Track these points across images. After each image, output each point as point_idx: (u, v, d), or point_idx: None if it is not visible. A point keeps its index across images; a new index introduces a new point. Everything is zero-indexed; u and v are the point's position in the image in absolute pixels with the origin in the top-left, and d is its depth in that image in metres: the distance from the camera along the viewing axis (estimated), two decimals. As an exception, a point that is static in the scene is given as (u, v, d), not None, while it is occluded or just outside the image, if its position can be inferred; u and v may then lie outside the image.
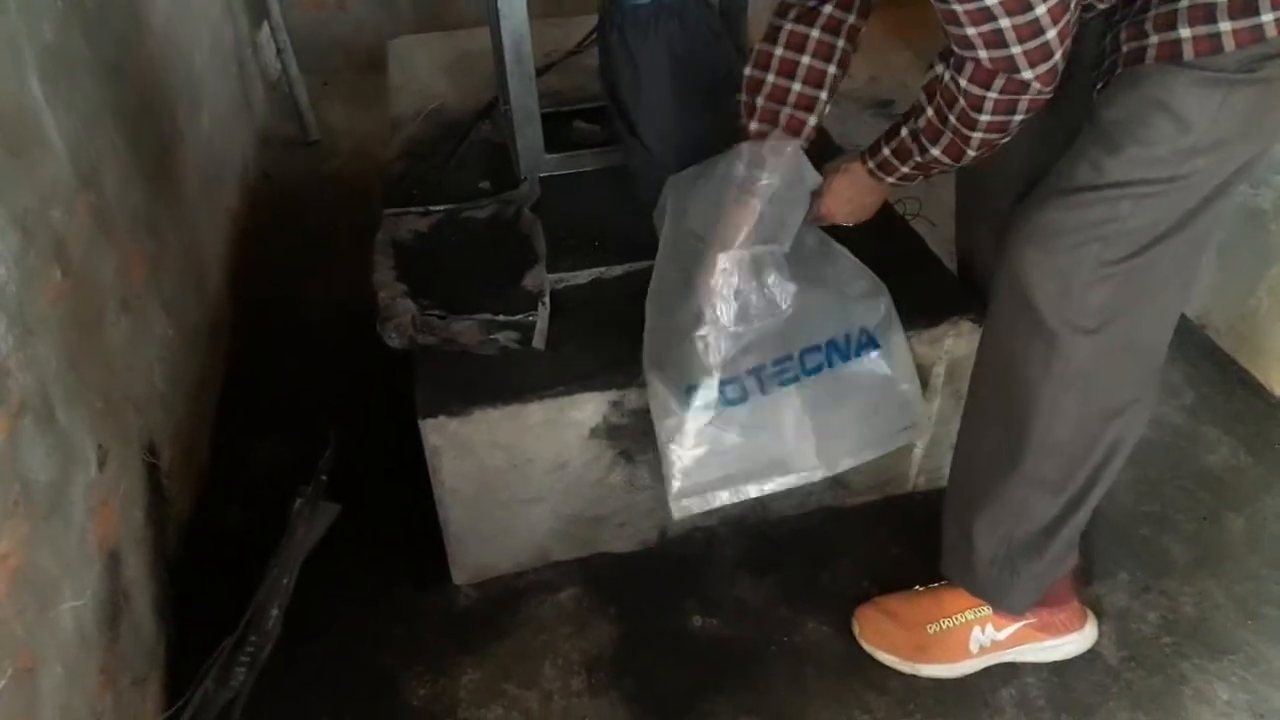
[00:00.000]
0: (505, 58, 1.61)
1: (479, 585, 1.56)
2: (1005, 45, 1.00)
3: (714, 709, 1.39)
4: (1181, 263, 1.12)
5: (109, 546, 1.27)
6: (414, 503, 1.52)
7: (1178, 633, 1.46)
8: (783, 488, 1.44)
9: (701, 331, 1.38)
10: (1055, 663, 1.42)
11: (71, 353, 1.24)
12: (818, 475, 1.44)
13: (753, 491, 1.44)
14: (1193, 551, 1.58)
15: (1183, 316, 1.23)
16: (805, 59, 1.34)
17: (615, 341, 1.44)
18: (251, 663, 1.37)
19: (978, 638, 1.39)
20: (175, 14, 2.08)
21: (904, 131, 1.24)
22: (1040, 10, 0.96)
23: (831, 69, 1.34)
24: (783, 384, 1.40)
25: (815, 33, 1.32)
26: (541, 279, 1.52)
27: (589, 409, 1.42)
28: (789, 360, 1.40)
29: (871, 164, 1.32)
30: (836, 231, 1.50)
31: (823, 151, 1.46)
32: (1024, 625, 1.39)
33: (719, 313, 1.38)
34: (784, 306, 1.39)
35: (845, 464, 1.45)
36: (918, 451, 1.63)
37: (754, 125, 1.40)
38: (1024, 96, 1.06)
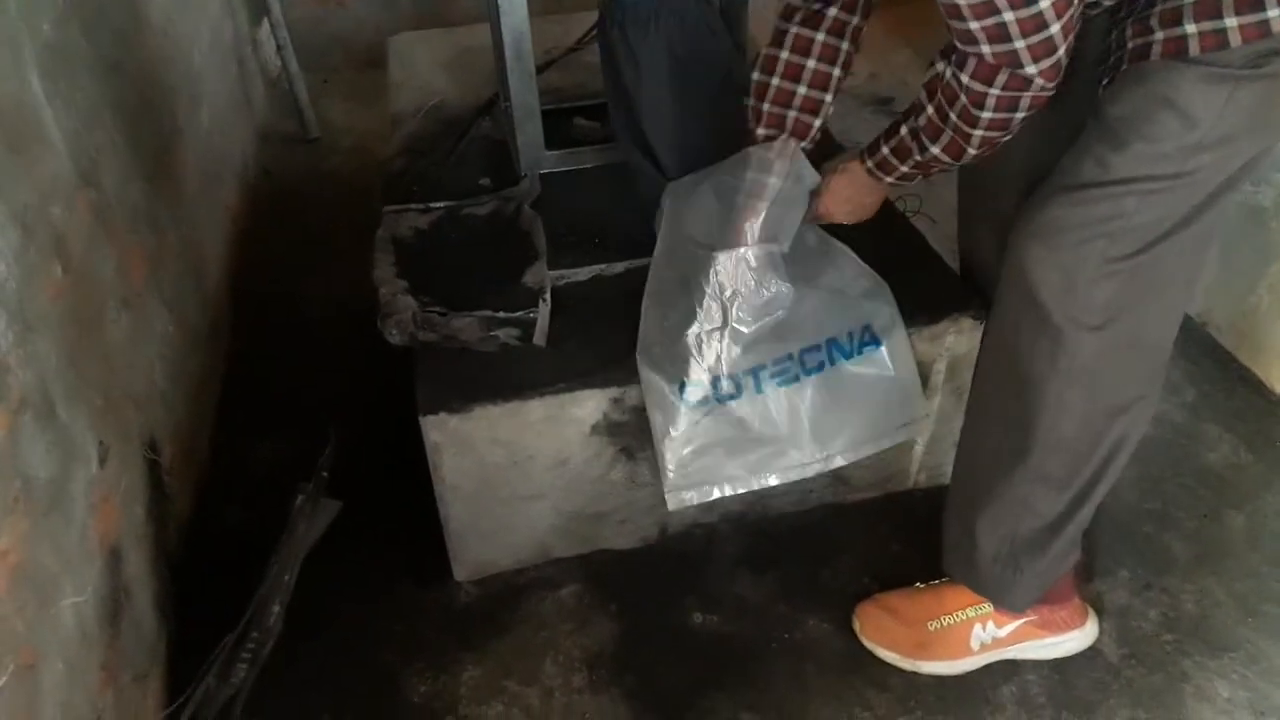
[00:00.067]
0: (505, 54, 1.61)
1: (480, 582, 1.56)
2: (1009, 39, 1.00)
3: (714, 706, 1.39)
4: (1187, 259, 1.12)
5: (110, 543, 1.27)
6: (415, 499, 1.52)
7: (1178, 630, 1.46)
8: (780, 481, 1.45)
9: (697, 329, 1.38)
10: (1056, 660, 1.42)
11: (72, 349, 1.23)
12: (814, 469, 1.44)
13: (750, 485, 1.44)
14: (1193, 549, 1.58)
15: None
16: (810, 63, 1.34)
17: (616, 338, 1.44)
18: (253, 659, 1.37)
19: (978, 635, 1.39)
20: (174, 11, 2.08)
21: (904, 130, 1.23)
22: (1044, 4, 0.96)
23: (836, 71, 1.35)
24: (781, 384, 1.40)
25: (820, 36, 1.32)
26: (542, 276, 1.51)
27: (590, 406, 1.42)
28: (788, 360, 1.40)
29: (870, 163, 1.32)
30: (837, 230, 1.50)
31: (823, 150, 1.46)
32: (1025, 622, 1.39)
33: (716, 311, 1.38)
34: (781, 307, 1.39)
35: (843, 459, 1.46)
36: (919, 448, 1.63)
37: (761, 130, 1.40)
38: (1026, 93, 1.06)
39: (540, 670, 1.44)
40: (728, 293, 1.37)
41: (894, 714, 1.37)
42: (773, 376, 1.40)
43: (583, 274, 1.58)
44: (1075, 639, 1.42)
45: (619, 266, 1.59)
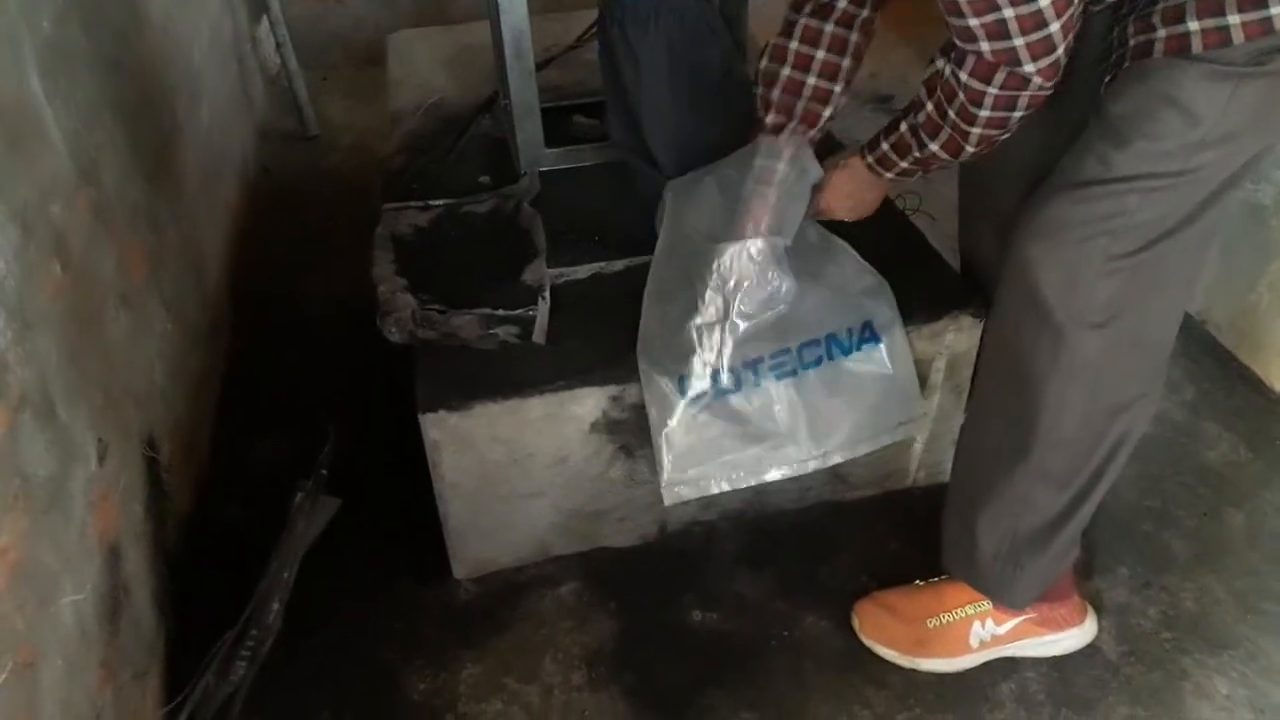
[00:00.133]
0: (505, 52, 1.61)
1: (479, 580, 1.56)
2: (1008, 37, 1.00)
3: (714, 703, 1.39)
4: (1188, 257, 1.12)
5: (109, 541, 1.27)
6: (414, 497, 1.52)
7: (1178, 628, 1.47)
8: (777, 477, 1.45)
9: (697, 321, 1.38)
10: (1055, 657, 1.42)
11: (71, 347, 1.23)
12: (811, 466, 1.44)
13: (746, 481, 1.44)
14: (1193, 547, 1.58)
15: (1183, 312, 1.24)
16: (820, 53, 1.34)
17: (615, 336, 1.44)
18: (252, 657, 1.38)
19: (978, 632, 1.39)
20: (174, 8, 2.08)
21: (903, 126, 1.24)
22: (1044, 2, 0.96)
23: (846, 62, 1.35)
24: (780, 378, 1.40)
25: (829, 27, 1.32)
26: (541, 273, 1.51)
27: (589, 403, 1.42)
28: (787, 354, 1.40)
29: (870, 159, 1.32)
30: (836, 226, 1.50)
31: (823, 148, 1.46)
32: (1024, 620, 1.39)
33: (716, 303, 1.38)
34: (783, 300, 1.39)
35: (841, 455, 1.46)
36: (918, 446, 1.63)
37: (770, 118, 1.40)
38: (1024, 92, 1.06)
39: (540, 668, 1.44)
40: (730, 285, 1.38)
41: (893, 711, 1.37)
42: (771, 370, 1.40)
43: (582, 272, 1.58)
44: (1074, 636, 1.42)
45: (618, 264, 1.59)
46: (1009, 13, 0.97)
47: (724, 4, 1.64)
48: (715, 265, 1.37)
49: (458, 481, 1.44)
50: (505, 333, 1.43)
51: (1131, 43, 1.05)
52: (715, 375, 1.39)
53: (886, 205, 1.52)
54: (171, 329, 1.69)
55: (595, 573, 1.57)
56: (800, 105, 1.38)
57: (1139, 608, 1.50)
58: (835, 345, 1.42)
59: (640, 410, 1.42)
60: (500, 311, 1.44)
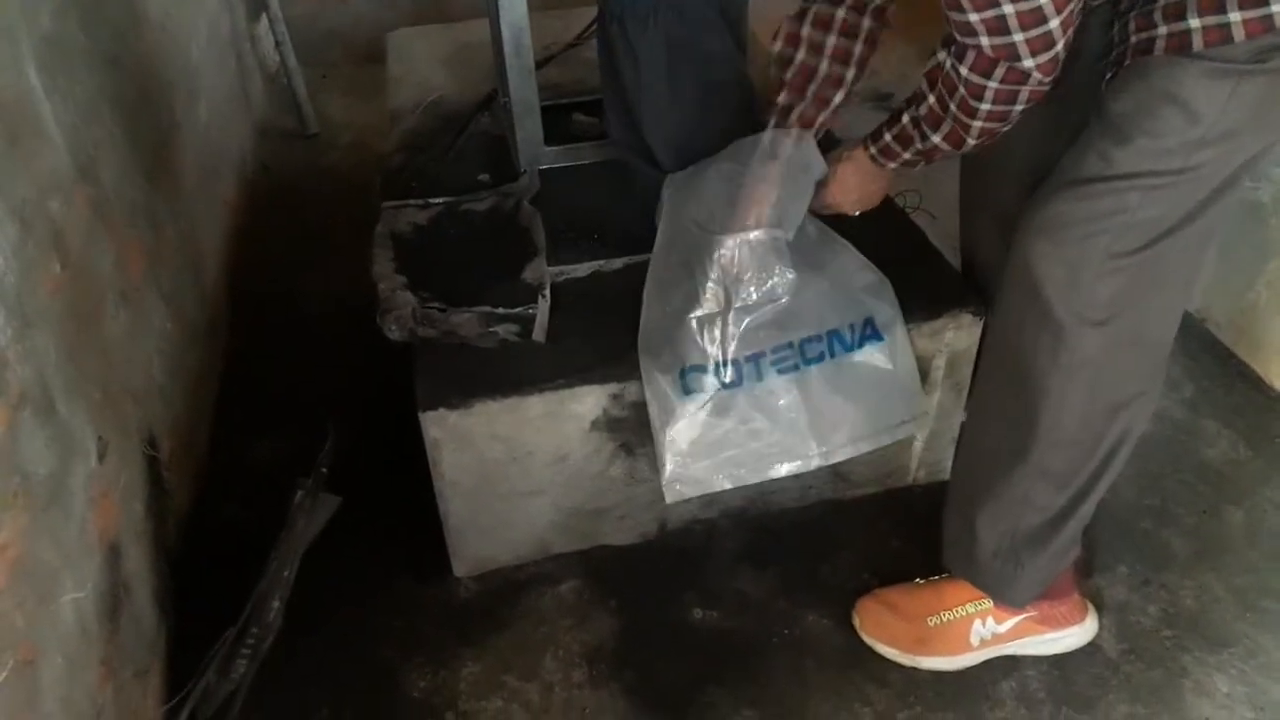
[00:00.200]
0: (504, 50, 1.61)
1: (479, 577, 1.56)
2: (1007, 32, 1.00)
3: (714, 701, 1.39)
4: (1189, 255, 1.12)
5: (109, 538, 1.27)
6: (414, 495, 1.52)
7: (1177, 626, 1.47)
8: (779, 475, 1.45)
9: (698, 313, 1.38)
10: (1055, 655, 1.42)
11: (70, 344, 1.23)
12: (814, 464, 1.44)
13: (748, 478, 1.44)
14: (1193, 545, 1.58)
15: (1182, 310, 1.24)
16: (831, 38, 1.34)
17: (615, 334, 1.44)
18: (252, 655, 1.37)
19: (978, 630, 1.39)
20: (172, 5, 2.07)
21: (906, 118, 1.24)
22: None
23: (858, 47, 1.35)
24: (781, 372, 1.40)
25: (840, 12, 1.33)
26: (541, 271, 1.51)
27: (589, 402, 1.42)
28: (789, 349, 1.40)
29: (874, 149, 1.32)
30: (836, 224, 1.50)
31: (823, 145, 1.45)
32: (1025, 618, 1.39)
33: (717, 296, 1.38)
34: (784, 294, 1.39)
35: (842, 454, 1.46)
36: (918, 444, 1.63)
37: (782, 98, 1.40)
38: (1024, 87, 1.06)
39: (540, 665, 1.44)
40: (731, 277, 1.37)
41: (893, 709, 1.37)
42: (773, 364, 1.40)
43: (582, 270, 1.58)
44: (1075, 635, 1.42)
45: (618, 262, 1.58)
46: (1009, 9, 0.98)
47: (724, 2, 1.64)
48: (716, 257, 1.37)
49: (457, 479, 1.44)
50: (505, 331, 1.43)
51: (1133, 39, 1.05)
52: (718, 368, 1.38)
53: (887, 203, 1.52)
54: (170, 327, 1.68)
55: (595, 571, 1.57)
56: (812, 88, 1.38)
57: (1139, 605, 1.50)
58: (837, 341, 1.42)
59: (640, 408, 1.42)
60: (500, 309, 1.44)
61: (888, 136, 1.29)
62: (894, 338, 1.44)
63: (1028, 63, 1.03)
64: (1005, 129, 1.14)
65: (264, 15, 2.82)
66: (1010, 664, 1.42)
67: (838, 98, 1.38)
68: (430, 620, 1.50)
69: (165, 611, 1.44)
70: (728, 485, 1.44)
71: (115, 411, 1.35)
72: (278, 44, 2.79)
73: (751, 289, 1.38)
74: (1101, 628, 1.45)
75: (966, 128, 1.14)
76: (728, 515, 1.62)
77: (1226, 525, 1.62)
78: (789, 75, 1.39)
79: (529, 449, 1.44)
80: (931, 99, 1.17)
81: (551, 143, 1.76)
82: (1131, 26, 1.05)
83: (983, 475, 1.30)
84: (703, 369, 1.38)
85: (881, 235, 1.54)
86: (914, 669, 1.41)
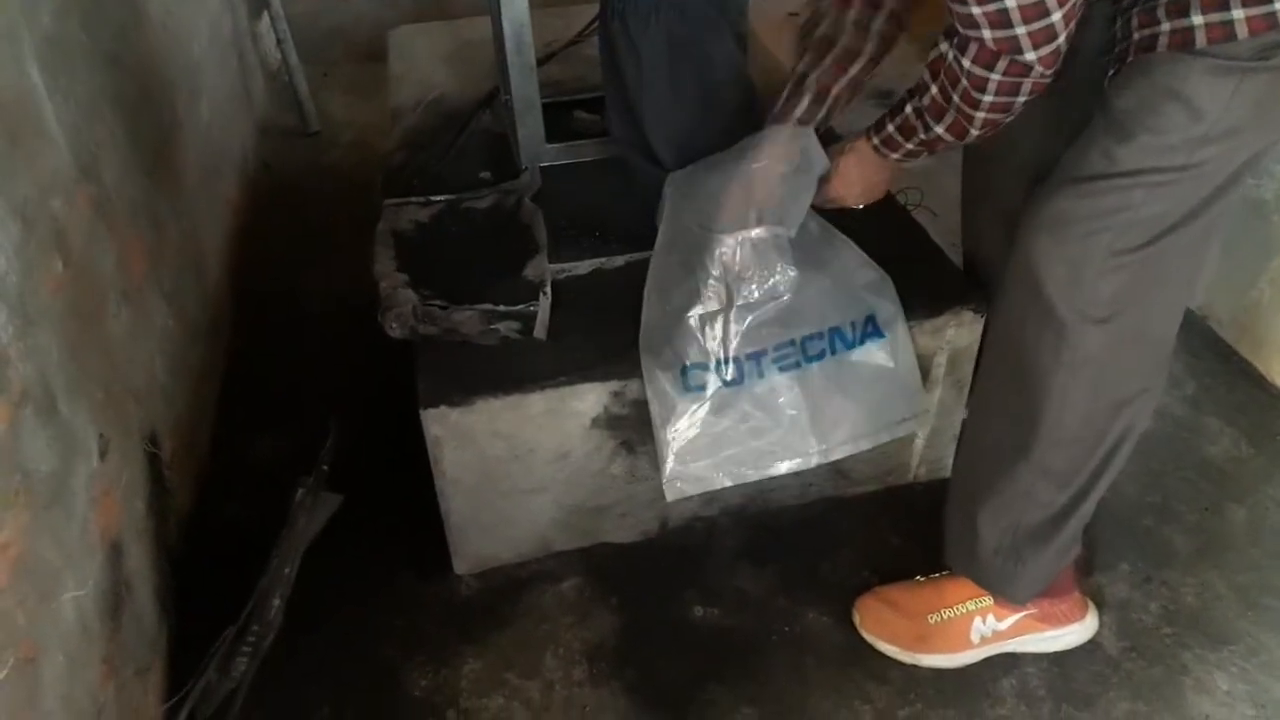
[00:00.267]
0: (506, 47, 1.60)
1: (480, 575, 1.56)
2: (1010, 25, 1.00)
3: (715, 699, 1.39)
4: (1192, 252, 1.12)
5: (111, 537, 1.27)
6: (415, 493, 1.52)
7: (1178, 623, 1.47)
8: (780, 473, 1.45)
9: (700, 311, 1.38)
10: (1056, 653, 1.42)
11: (72, 343, 1.23)
12: (814, 462, 1.44)
13: (749, 476, 1.44)
14: (1194, 542, 1.58)
15: (1184, 308, 1.24)
16: (852, 12, 1.35)
17: (616, 332, 1.44)
18: (253, 653, 1.38)
19: (979, 628, 1.39)
20: (173, 4, 2.07)
21: (908, 109, 1.23)
22: None
23: (879, 23, 1.34)
24: (782, 370, 1.40)
25: None
26: (542, 269, 1.51)
27: (590, 399, 1.42)
28: (790, 346, 1.40)
29: (876, 140, 1.32)
30: (837, 221, 1.50)
31: (823, 142, 1.45)
32: (1025, 616, 1.39)
33: (719, 294, 1.38)
34: (785, 292, 1.39)
35: (843, 451, 1.45)
36: (919, 442, 1.63)
37: (801, 64, 1.39)
38: (1027, 79, 1.06)
39: (541, 663, 1.44)
40: (732, 274, 1.37)
41: (894, 707, 1.37)
42: (774, 362, 1.40)
43: (583, 267, 1.58)
44: (1075, 632, 1.42)
45: (619, 260, 1.58)
46: (1011, 2, 0.98)
47: (725, 0, 1.64)
48: (718, 255, 1.37)
49: (459, 477, 1.44)
50: (506, 328, 1.43)
51: (1135, 36, 1.05)
52: (719, 366, 1.38)
53: (888, 200, 1.52)
54: (172, 325, 1.68)
55: (596, 568, 1.57)
56: (830, 58, 1.37)
57: (1140, 603, 1.50)
58: (839, 339, 1.42)
59: (641, 406, 1.42)
60: (501, 307, 1.44)
61: (890, 127, 1.28)
62: (895, 335, 1.44)
63: (1030, 56, 1.03)
64: (1008, 120, 1.14)
65: (265, 13, 2.82)
66: (1011, 661, 1.42)
67: (855, 69, 1.37)
68: (431, 618, 1.51)
69: (166, 609, 1.44)
70: (728, 483, 1.44)
71: (117, 410, 1.35)
72: (279, 42, 2.79)
73: (753, 286, 1.38)
74: (1102, 625, 1.45)
75: (970, 119, 1.14)
76: (728, 513, 1.62)
77: (1228, 523, 1.61)
78: (810, 43, 1.38)
79: (530, 446, 1.44)
80: (934, 90, 1.16)
81: (553, 140, 1.75)
82: (1134, 22, 1.05)
83: (984, 472, 1.30)
84: (704, 366, 1.38)
85: (883, 232, 1.53)
86: (914, 666, 1.41)
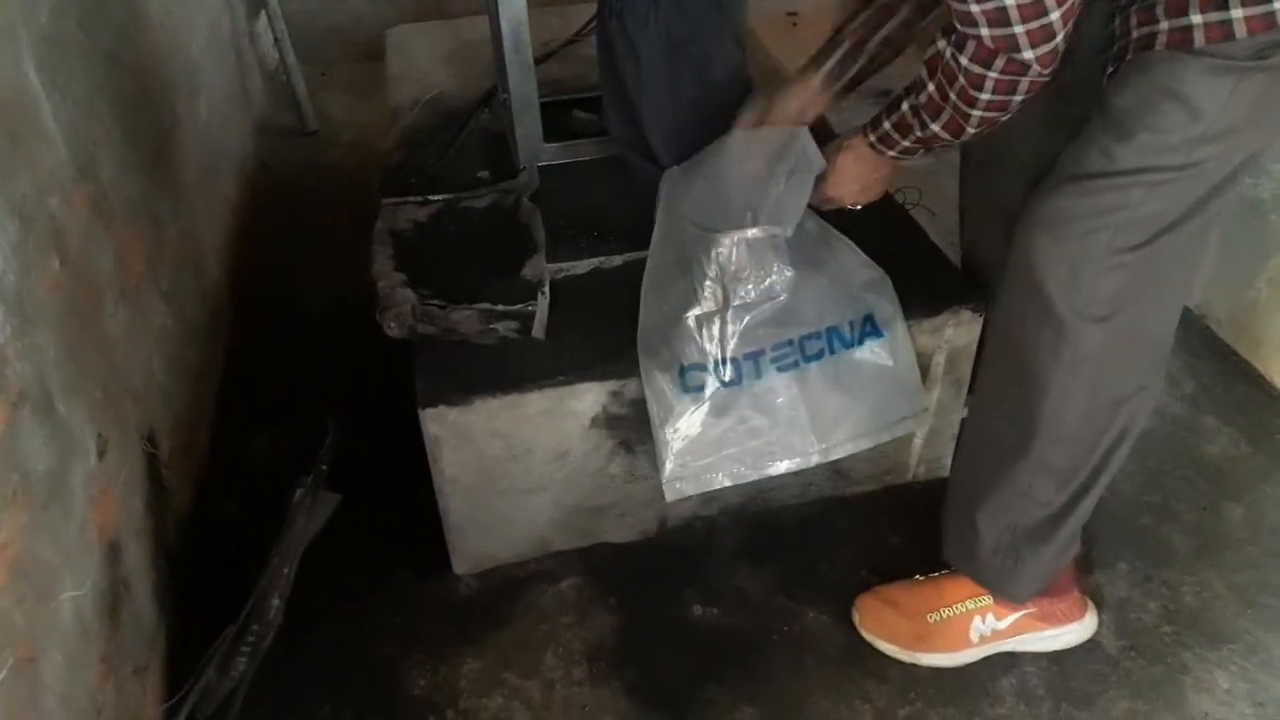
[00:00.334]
0: (504, 46, 1.60)
1: (479, 575, 1.56)
2: (1008, 24, 1.00)
3: (714, 698, 1.39)
4: (1190, 251, 1.12)
5: (109, 536, 1.27)
6: (414, 492, 1.52)
7: (1178, 622, 1.47)
8: (779, 473, 1.44)
9: (697, 311, 1.38)
10: (1055, 652, 1.42)
11: (70, 342, 1.23)
12: (813, 461, 1.44)
13: (748, 475, 1.44)
14: (1193, 541, 1.58)
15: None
16: None
17: (615, 331, 1.44)
18: (253, 652, 1.38)
19: (978, 627, 1.39)
20: (172, 3, 2.07)
21: (905, 106, 1.23)
22: None
23: (904, 13, 1.35)
24: (781, 370, 1.40)
25: None
26: (541, 268, 1.51)
27: (589, 399, 1.42)
28: (789, 346, 1.40)
29: (873, 137, 1.31)
30: (835, 220, 1.50)
31: (820, 141, 1.45)
32: (1024, 615, 1.39)
33: (716, 295, 1.38)
34: (782, 291, 1.39)
35: (842, 451, 1.45)
36: (918, 441, 1.63)
37: (841, 19, 1.40)
38: (1024, 78, 1.06)
39: (540, 663, 1.44)
40: (729, 275, 1.37)
41: (893, 706, 1.37)
42: (773, 362, 1.40)
43: (581, 267, 1.58)
44: (1074, 631, 1.42)
45: (618, 259, 1.58)
46: (1010, 0, 0.98)
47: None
48: (714, 255, 1.37)
49: (457, 477, 1.44)
50: (505, 328, 1.43)
51: (1134, 35, 1.05)
52: (717, 366, 1.38)
53: (886, 199, 1.52)
54: (170, 324, 1.68)
55: (595, 568, 1.57)
56: (869, 11, 1.38)
57: (1139, 602, 1.50)
58: (837, 338, 1.42)
59: (640, 405, 1.42)
60: (500, 306, 1.44)
61: (887, 124, 1.28)
62: (894, 334, 1.44)
63: (1027, 54, 1.03)
64: (1005, 118, 1.14)
65: (263, 12, 2.81)
66: (1010, 660, 1.42)
67: (890, 25, 1.37)
68: (430, 618, 1.50)
69: (165, 609, 1.44)
70: (727, 483, 1.44)
71: (115, 409, 1.35)
72: (277, 41, 2.78)
73: (749, 287, 1.38)
74: (1101, 624, 1.45)
75: (966, 117, 1.14)
76: (727, 512, 1.62)
77: (1227, 522, 1.62)
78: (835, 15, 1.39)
79: (529, 446, 1.44)
80: (931, 87, 1.16)
81: (551, 139, 1.75)
82: (1133, 21, 1.05)
83: (984, 471, 1.30)
84: (702, 367, 1.38)
85: (881, 231, 1.53)
86: (914, 665, 1.41)
